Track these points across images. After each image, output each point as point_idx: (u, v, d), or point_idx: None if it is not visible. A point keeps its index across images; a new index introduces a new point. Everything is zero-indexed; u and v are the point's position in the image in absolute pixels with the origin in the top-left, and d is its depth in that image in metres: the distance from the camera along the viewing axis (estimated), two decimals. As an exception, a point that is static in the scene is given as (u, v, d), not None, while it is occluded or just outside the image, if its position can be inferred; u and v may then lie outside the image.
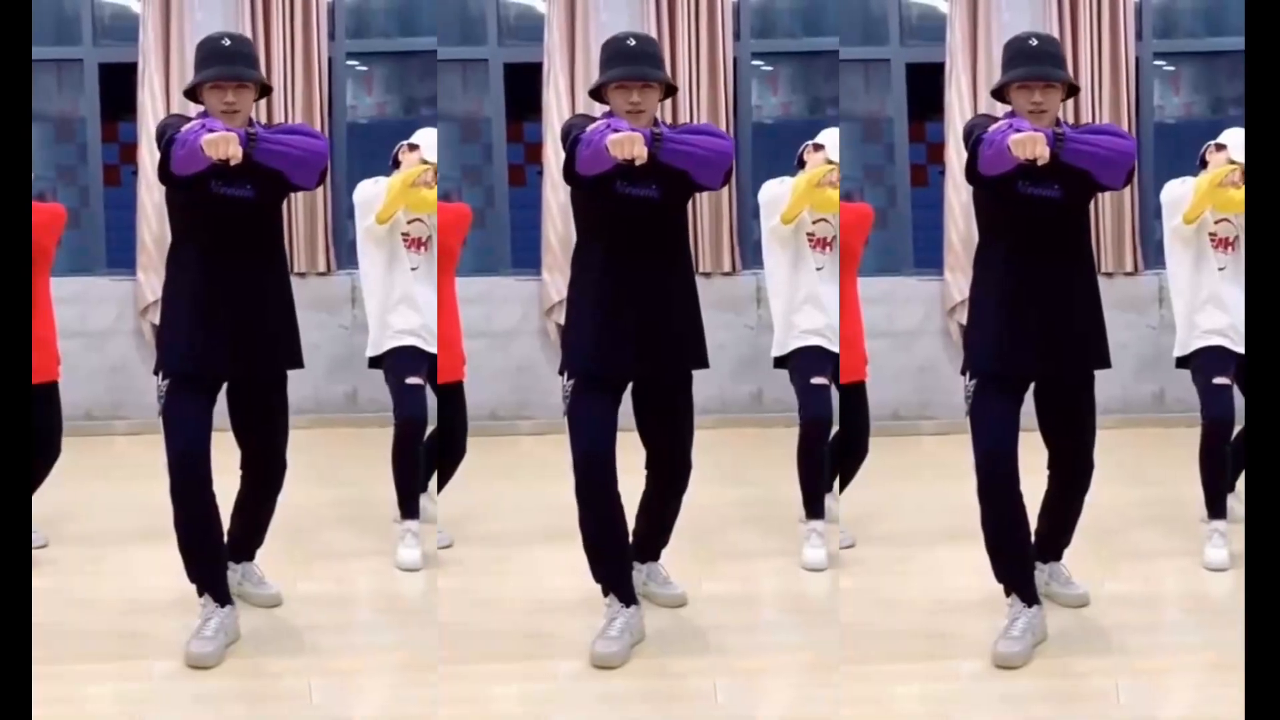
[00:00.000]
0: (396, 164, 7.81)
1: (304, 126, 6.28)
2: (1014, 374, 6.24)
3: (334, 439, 10.28)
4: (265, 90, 6.34)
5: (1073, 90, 6.23)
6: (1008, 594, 6.32)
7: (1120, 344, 11.08)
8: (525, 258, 11.22)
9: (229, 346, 6.22)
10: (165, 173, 6.00)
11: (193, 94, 6.28)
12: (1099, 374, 6.35)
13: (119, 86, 11.12)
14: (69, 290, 11.10)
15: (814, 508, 7.58)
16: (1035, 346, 6.19)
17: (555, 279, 10.87)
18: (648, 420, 6.43)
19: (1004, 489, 6.16)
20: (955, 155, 10.50)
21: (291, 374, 6.49)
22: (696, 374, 6.46)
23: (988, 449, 6.15)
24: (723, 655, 6.31)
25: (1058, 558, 6.84)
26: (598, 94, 6.26)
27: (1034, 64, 6.10)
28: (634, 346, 6.22)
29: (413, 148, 7.81)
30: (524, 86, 11.20)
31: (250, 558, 6.90)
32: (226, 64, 6.15)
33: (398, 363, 7.67)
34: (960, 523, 7.53)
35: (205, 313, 6.18)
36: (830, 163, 7.69)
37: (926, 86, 11.20)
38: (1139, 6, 11.12)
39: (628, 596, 6.32)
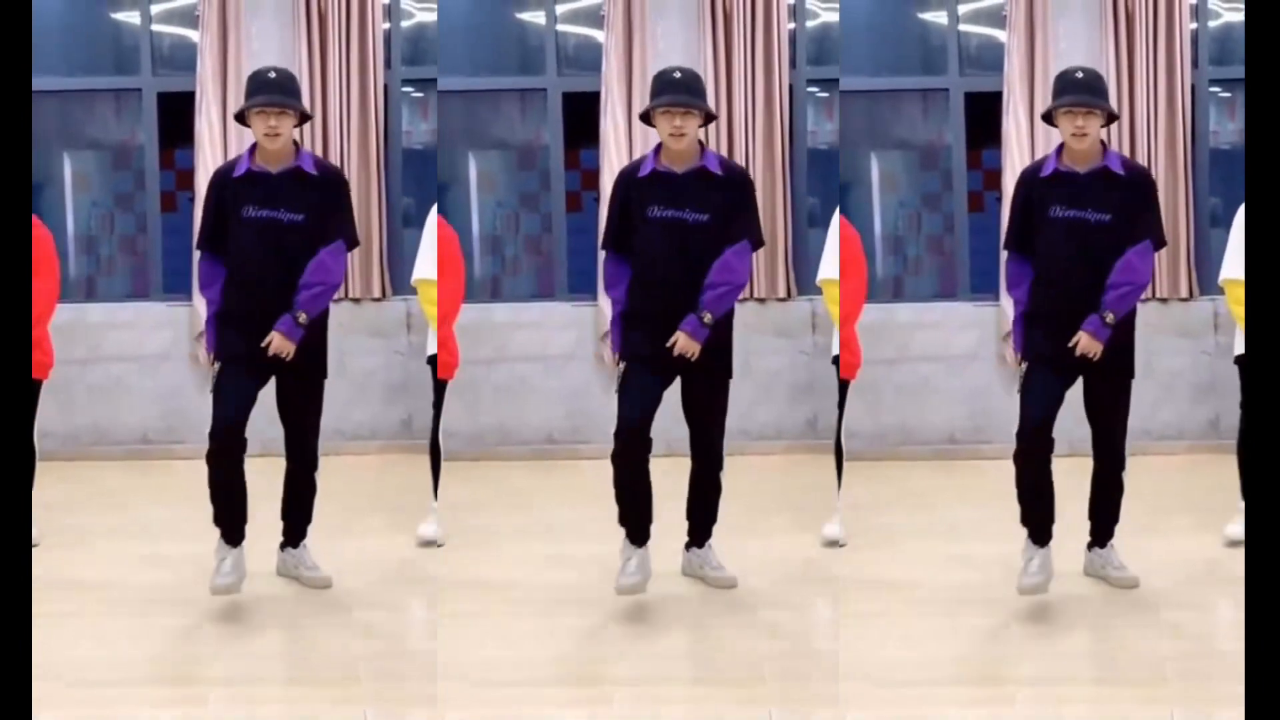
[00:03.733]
0: None
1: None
2: (1059, 356, 7.16)
3: (390, 465, 10.29)
4: (305, 117, 7.31)
5: (1111, 117, 7.23)
6: (1024, 523, 7.30)
7: (1175, 370, 11.12)
8: (581, 283, 11.24)
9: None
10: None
11: (242, 119, 7.31)
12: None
13: (177, 115, 11.19)
14: (125, 315, 11.19)
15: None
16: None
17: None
18: (689, 408, 7.47)
19: (1037, 458, 7.18)
20: (1011, 182, 10.49)
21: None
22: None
23: (1028, 419, 7.16)
24: (778, 682, 6.31)
25: (1105, 541, 7.59)
26: (647, 118, 7.31)
27: (1077, 93, 7.13)
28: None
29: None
30: (582, 115, 11.24)
31: (296, 544, 7.61)
32: (270, 93, 7.15)
33: None
34: (1017, 546, 7.53)
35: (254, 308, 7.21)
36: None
37: (984, 115, 11.21)
38: (1195, 33, 11.10)
39: (639, 539, 7.36)
